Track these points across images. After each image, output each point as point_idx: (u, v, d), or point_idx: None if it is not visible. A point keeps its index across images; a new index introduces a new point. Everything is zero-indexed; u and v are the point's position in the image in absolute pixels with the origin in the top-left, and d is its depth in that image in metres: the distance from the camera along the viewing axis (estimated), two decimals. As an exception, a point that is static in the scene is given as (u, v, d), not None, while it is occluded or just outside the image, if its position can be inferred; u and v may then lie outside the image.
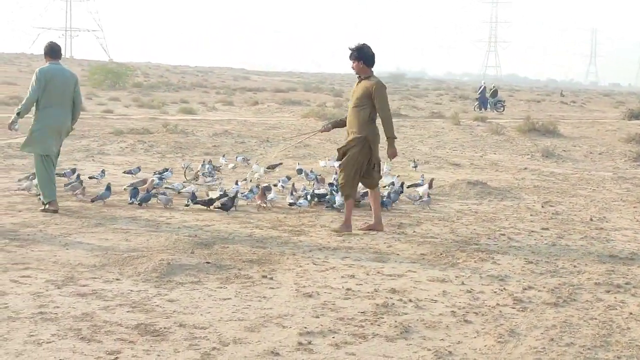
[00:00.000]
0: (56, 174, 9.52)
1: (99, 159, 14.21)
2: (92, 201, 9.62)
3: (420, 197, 10.49)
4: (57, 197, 9.15)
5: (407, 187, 11.13)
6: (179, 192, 10.43)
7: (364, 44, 8.64)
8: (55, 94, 9.06)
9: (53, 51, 9.28)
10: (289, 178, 11.43)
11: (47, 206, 9.02)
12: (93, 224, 8.44)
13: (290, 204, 10.02)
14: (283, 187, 11.04)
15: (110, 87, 43.02)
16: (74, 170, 11.13)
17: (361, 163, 8.62)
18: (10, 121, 9.22)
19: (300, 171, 12.45)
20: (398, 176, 12.03)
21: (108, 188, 9.76)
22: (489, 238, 8.59)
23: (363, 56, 8.63)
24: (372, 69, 8.73)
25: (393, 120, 8.73)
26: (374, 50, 8.72)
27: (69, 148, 15.50)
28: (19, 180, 10.67)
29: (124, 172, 12.02)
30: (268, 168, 12.83)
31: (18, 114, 9.11)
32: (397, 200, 10.40)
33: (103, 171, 11.60)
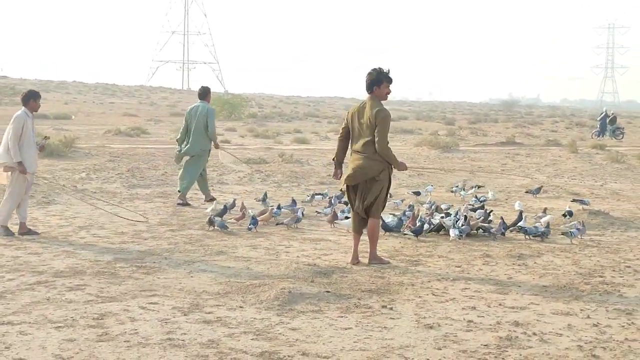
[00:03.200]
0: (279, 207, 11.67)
1: (218, 189, 14.57)
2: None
3: (578, 229, 10.02)
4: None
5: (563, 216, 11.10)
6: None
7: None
8: (194, 125, 12.59)
9: (200, 93, 12.98)
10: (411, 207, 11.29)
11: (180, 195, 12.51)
12: (215, 252, 8.68)
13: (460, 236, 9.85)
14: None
15: (227, 118, 43.99)
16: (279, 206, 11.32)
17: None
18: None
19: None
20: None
21: (253, 222, 10.09)
22: (613, 270, 8.31)
23: None
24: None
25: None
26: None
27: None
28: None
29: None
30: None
31: (177, 141, 13.03)
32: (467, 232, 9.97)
33: (234, 200, 11.60)
